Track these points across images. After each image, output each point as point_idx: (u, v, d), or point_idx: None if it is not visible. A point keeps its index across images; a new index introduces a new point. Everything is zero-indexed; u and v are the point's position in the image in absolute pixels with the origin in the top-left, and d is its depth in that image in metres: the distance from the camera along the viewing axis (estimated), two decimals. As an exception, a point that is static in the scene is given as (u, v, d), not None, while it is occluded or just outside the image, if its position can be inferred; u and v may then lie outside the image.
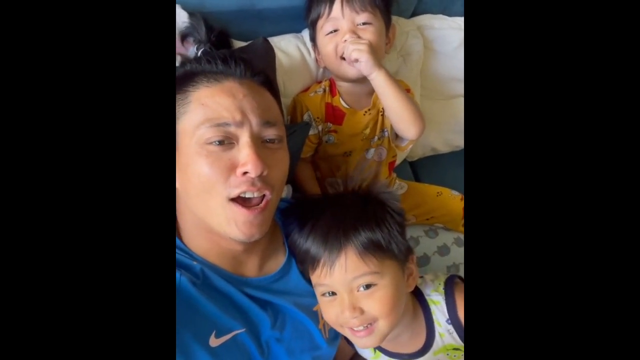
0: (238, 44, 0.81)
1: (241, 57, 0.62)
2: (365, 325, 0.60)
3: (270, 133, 0.57)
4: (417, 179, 1.16)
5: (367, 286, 0.60)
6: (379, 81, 0.79)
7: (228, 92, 0.56)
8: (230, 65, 0.60)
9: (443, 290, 0.69)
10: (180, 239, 0.61)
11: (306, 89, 0.92)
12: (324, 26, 0.82)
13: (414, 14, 1.02)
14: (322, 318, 0.68)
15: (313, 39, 0.88)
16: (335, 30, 0.81)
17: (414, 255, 0.68)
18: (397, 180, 1.04)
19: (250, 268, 0.64)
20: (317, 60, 0.91)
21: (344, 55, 0.81)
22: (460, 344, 0.67)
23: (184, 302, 0.54)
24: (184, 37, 0.73)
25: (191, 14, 0.74)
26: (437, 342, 0.68)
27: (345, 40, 0.79)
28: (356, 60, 0.78)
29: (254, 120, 0.55)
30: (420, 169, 1.18)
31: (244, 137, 0.55)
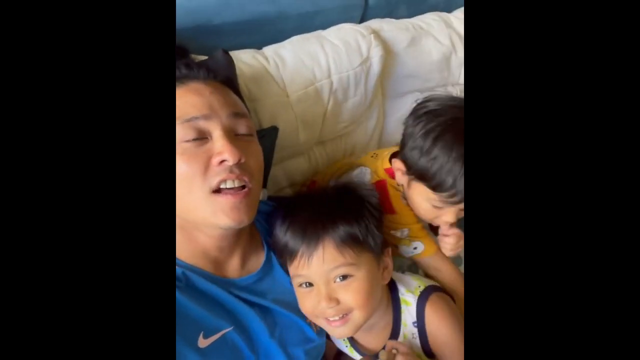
0: (199, 58, 0.83)
1: (202, 63, 0.65)
2: (340, 315, 0.61)
3: (241, 125, 0.59)
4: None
5: (344, 277, 0.61)
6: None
7: (194, 91, 0.58)
8: (193, 69, 0.62)
9: (419, 294, 0.69)
10: None
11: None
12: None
13: (362, 20, 1.07)
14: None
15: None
16: None
17: (389, 248, 0.70)
18: None
19: (232, 268, 0.64)
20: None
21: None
22: (419, 352, 0.68)
23: (169, 306, 0.54)
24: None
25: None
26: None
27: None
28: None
29: (223, 113, 0.57)
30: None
31: (216, 131, 0.56)
